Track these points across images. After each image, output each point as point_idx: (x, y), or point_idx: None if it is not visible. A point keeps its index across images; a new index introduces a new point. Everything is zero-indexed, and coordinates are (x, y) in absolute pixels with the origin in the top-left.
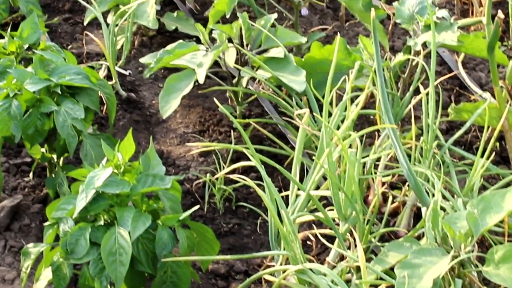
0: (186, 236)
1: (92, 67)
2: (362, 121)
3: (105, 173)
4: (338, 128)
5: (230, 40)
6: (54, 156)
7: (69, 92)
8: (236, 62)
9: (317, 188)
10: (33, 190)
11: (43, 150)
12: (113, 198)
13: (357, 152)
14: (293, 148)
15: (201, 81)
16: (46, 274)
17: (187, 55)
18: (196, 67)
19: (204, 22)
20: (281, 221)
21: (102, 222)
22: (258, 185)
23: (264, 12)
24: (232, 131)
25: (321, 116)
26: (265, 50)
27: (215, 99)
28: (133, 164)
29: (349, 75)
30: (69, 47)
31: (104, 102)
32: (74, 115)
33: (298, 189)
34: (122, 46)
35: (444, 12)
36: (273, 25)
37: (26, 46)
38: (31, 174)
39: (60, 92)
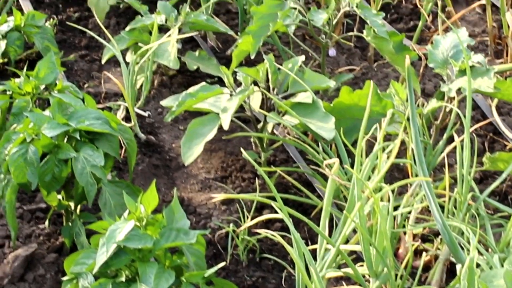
0: None
1: (110, 108)
2: (392, 168)
3: (127, 226)
4: (368, 178)
5: (255, 83)
6: (71, 204)
7: (88, 138)
8: (261, 107)
9: (347, 241)
10: (48, 239)
11: (59, 197)
12: (135, 252)
13: (389, 206)
14: (319, 197)
15: (226, 127)
16: None
17: (211, 98)
18: (221, 112)
19: (227, 61)
20: (309, 276)
21: (123, 278)
22: (283, 236)
23: (289, 51)
24: (256, 177)
25: (351, 166)
26: (292, 94)
27: (240, 148)
28: (156, 217)
29: (381, 122)
30: (86, 85)
31: (123, 145)
32: (93, 162)
33: (327, 243)
34: (141, 85)
35: (480, 57)
36: (300, 68)
37: (42, 86)
38: (46, 222)
39: (79, 138)
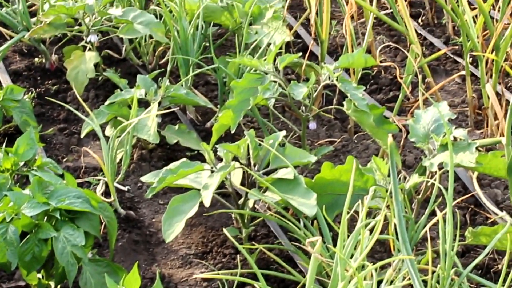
0: None
1: (90, 183)
2: (374, 242)
3: None
4: (351, 256)
5: (236, 159)
6: (51, 283)
7: (69, 216)
8: (242, 182)
9: None
10: None
11: (39, 275)
12: None
13: (373, 284)
14: (301, 272)
15: (207, 204)
16: None
17: (192, 175)
18: (202, 189)
19: (206, 133)
20: None
21: None
22: None
23: (269, 124)
24: (237, 253)
25: (334, 244)
26: (273, 170)
27: (220, 223)
28: None
29: (363, 199)
30: (65, 160)
31: (102, 222)
32: (74, 241)
33: None
34: (120, 159)
35: (461, 132)
36: (281, 142)
37: (21, 162)
38: None
39: (59, 217)
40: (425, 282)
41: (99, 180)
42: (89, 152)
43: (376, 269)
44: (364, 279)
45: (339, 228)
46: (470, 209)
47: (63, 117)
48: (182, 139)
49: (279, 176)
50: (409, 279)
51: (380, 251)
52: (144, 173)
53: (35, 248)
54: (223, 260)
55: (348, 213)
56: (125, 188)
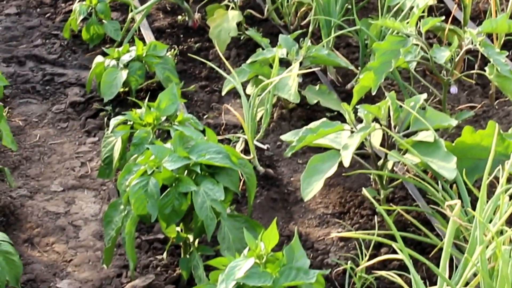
0: None
1: (230, 140)
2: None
3: (247, 263)
4: (490, 221)
5: (376, 120)
6: (190, 236)
7: (209, 171)
8: (382, 144)
9: (466, 284)
10: (166, 270)
11: (178, 229)
12: None
13: (511, 250)
14: (438, 236)
15: (347, 165)
16: None
17: (332, 134)
18: (342, 149)
19: (346, 95)
20: None
21: None
22: (401, 275)
23: (409, 87)
24: (374, 214)
25: (473, 206)
26: (413, 133)
27: (359, 184)
28: (276, 255)
29: (504, 163)
30: (206, 117)
31: (242, 178)
32: (213, 196)
33: (447, 285)
34: (260, 118)
35: None
36: (421, 105)
37: (163, 117)
38: (164, 254)
39: (199, 171)
40: None
41: (239, 137)
42: (230, 109)
43: None
44: (503, 244)
45: (478, 192)
46: None
47: (205, 74)
48: (323, 99)
49: (419, 138)
50: None
51: None
52: (284, 132)
53: (175, 201)
54: (360, 220)
55: (488, 178)
56: (265, 147)
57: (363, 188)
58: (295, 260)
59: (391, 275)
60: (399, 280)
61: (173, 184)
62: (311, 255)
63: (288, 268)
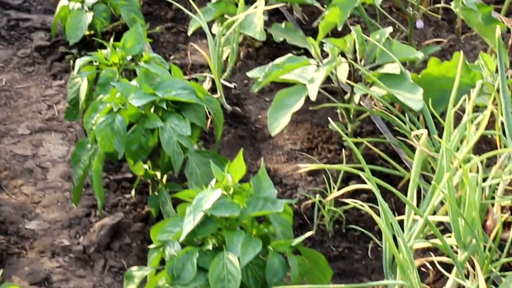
0: (298, 263)
1: (196, 79)
2: (480, 140)
3: (214, 195)
4: (457, 150)
5: (342, 54)
6: (157, 173)
7: (175, 108)
8: (348, 78)
9: (434, 213)
10: (134, 208)
11: (146, 166)
12: (221, 221)
13: (478, 177)
14: (406, 168)
15: (313, 98)
16: None
17: (298, 69)
18: (308, 83)
19: (312, 33)
20: (396, 246)
21: (210, 247)
22: (370, 207)
23: (376, 23)
24: (342, 149)
25: (439, 137)
26: (379, 66)
27: (327, 119)
28: (243, 186)
29: (470, 94)
30: (172, 57)
31: (209, 117)
32: (180, 131)
33: (414, 214)
34: (227, 57)
35: None
36: (387, 39)
37: (129, 57)
38: (132, 192)
39: (165, 108)
40: None
41: (205, 76)
42: (196, 48)
43: (481, 163)
44: (470, 171)
45: (445, 123)
46: None
47: (171, 16)
48: (289, 37)
49: (386, 71)
50: None
51: (487, 150)
52: (251, 70)
53: (141, 138)
54: (328, 155)
55: (454, 108)
56: (232, 85)
57: (330, 120)
58: (262, 191)
59: (361, 204)
60: (367, 209)
61: (139, 121)
62: (280, 190)
63: (255, 198)
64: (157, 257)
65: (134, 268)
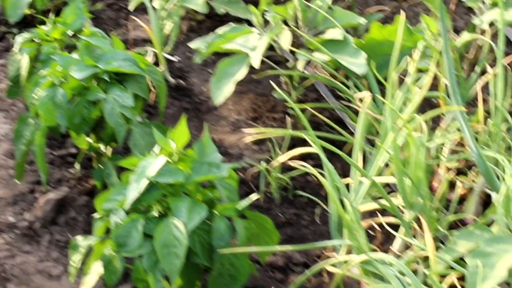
0: (244, 226)
1: (139, 54)
2: (424, 105)
3: (158, 161)
4: (401, 111)
5: (284, 22)
6: (101, 146)
7: (117, 79)
8: (291, 46)
9: (379, 175)
10: (79, 182)
11: (89, 140)
12: (166, 188)
13: (422, 137)
14: (351, 133)
15: (256, 65)
16: (96, 269)
17: (240, 38)
18: (250, 51)
19: (255, 4)
20: (344, 209)
21: (155, 213)
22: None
23: None
24: (287, 117)
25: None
26: (322, 32)
27: (270, 89)
28: (187, 152)
29: (412, 56)
30: (114, 33)
31: (153, 89)
32: (122, 102)
33: (361, 176)
34: (169, 32)
35: None
36: (329, 7)
37: (70, 33)
38: (77, 166)
39: (107, 79)
40: (476, 139)
41: (147, 51)
42: (138, 23)
43: (426, 124)
44: (415, 131)
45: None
46: None
47: None
48: (231, 8)
49: (329, 37)
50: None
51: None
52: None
53: (84, 110)
54: (273, 124)
55: (398, 69)
56: (175, 58)
57: (275, 86)
58: (206, 156)
59: (305, 165)
60: (312, 170)
61: (81, 93)
62: (226, 160)
63: (199, 163)
64: (102, 226)
65: (79, 237)
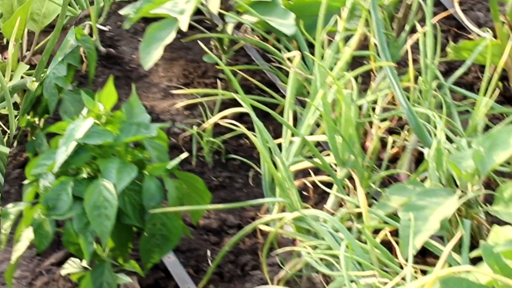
0: (175, 186)
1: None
2: (355, 67)
3: (86, 124)
4: (331, 70)
5: None
6: (36, 120)
7: None
8: (220, 8)
9: (311, 134)
10: (14, 158)
11: (28, 117)
12: (95, 149)
13: (353, 93)
14: (283, 96)
15: (184, 28)
16: (26, 234)
17: (168, 3)
18: (178, 15)
19: None
20: (276, 168)
21: (85, 175)
22: (248, 138)
23: None
24: (218, 81)
25: (313, 61)
26: None
27: (201, 55)
28: (115, 114)
29: (341, 15)
30: None
31: (85, 59)
32: (58, 74)
33: (292, 136)
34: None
35: None
36: None
37: None
38: (15, 144)
39: None
40: (407, 98)
41: (85, 25)
42: None
43: (356, 80)
44: (345, 89)
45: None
46: (452, 31)
47: None
48: None
49: None
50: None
51: (363, 74)
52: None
53: None
54: (205, 89)
55: (323, 31)
56: (106, 28)
57: (206, 49)
58: (134, 117)
59: (236, 124)
60: (243, 130)
61: None
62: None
63: (128, 124)
64: (31, 191)
65: (9, 205)
